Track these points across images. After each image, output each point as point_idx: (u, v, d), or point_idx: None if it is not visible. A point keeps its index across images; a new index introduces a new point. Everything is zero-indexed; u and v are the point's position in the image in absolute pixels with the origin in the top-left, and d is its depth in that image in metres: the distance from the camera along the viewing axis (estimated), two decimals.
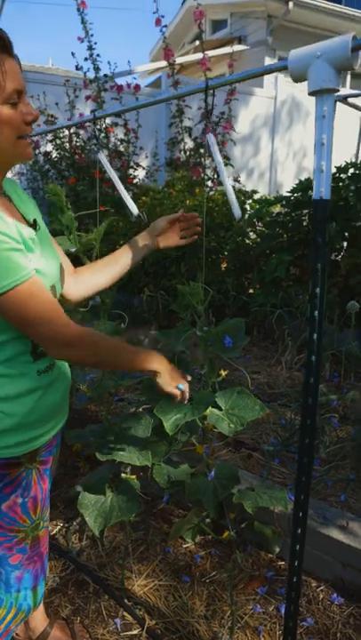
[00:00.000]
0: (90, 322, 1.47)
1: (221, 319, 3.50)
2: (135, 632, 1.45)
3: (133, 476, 1.48)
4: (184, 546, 1.78)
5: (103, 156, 1.34)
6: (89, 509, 1.32)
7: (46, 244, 1.01)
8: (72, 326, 0.92)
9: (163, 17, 4.99)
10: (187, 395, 1.12)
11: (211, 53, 5.43)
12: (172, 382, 1.08)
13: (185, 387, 1.11)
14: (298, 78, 0.85)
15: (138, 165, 4.98)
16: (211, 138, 1.07)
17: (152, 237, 1.22)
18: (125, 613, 1.52)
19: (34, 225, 0.99)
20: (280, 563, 1.68)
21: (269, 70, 0.90)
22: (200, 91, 0.97)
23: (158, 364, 1.06)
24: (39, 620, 1.37)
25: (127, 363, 1.03)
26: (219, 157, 1.08)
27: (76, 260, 1.22)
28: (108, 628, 1.47)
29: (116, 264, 1.20)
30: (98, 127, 4.90)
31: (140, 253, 1.22)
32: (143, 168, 5.18)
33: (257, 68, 0.94)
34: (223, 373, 1.63)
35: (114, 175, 1.32)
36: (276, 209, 3.54)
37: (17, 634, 1.39)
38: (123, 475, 1.45)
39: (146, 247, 1.22)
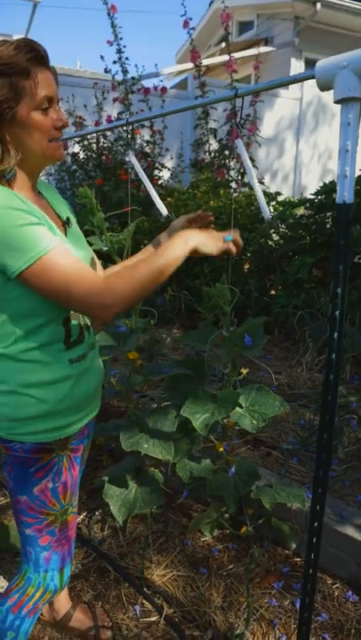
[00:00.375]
0: (119, 319, 1.53)
1: (243, 319, 3.52)
2: (154, 619, 1.50)
3: (156, 470, 1.53)
4: (202, 539, 1.82)
5: (134, 158, 1.40)
6: (114, 499, 1.37)
7: (78, 241, 1.08)
8: (101, 282, 0.92)
9: (190, 19, 5.06)
10: (239, 241, 1.06)
11: (237, 55, 5.47)
12: (217, 242, 1.02)
13: (233, 235, 1.05)
14: (324, 87, 0.89)
15: (163, 166, 5.04)
16: (240, 143, 1.11)
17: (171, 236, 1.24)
18: (145, 601, 1.57)
19: (67, 222, 1.05)
20: (296, 559, 1.71)
21: (297, 79, 0.94)
22: (229, 98, 1.01)
23: (193, 240, 1.00)
24: (63, 602, 1.44)
25: (169, 266, 0.96)
26: (248, 162, 1.12)
27: (108, 259, 1.27)
28: (127, 613, 1.53)
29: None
30: (125, 129, 4.99)
31: None
32: (168, 169, 5.24)
33: (284, 77, 0.98)
34: (244, 372, 1.67)
35: (144, 176, 1.38)
36: (300, 211, 3.55)
37: (42, 614, 1.46)
38: (147, 468, 1.50)
39: None
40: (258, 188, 1.19)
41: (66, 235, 1.04)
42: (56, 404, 1.01)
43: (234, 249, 1.05)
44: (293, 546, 1.71)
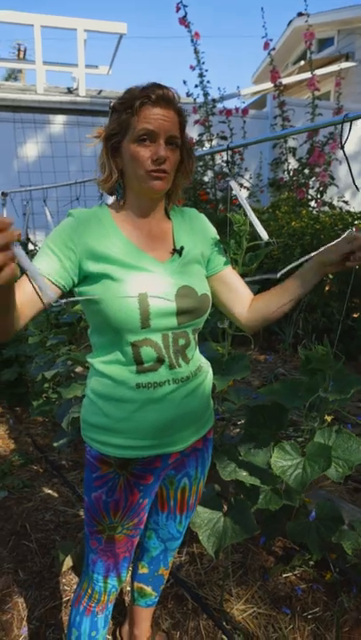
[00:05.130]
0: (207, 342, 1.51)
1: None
2: None
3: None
4: (284, 575, 1.74)
5: (235, 184, 1.40)
6: (202, 529, 1.33)
7: (183, 271, 1.05)
8: None
9: (271, 40, 5.08)
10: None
11: (318, 72, 5.38)
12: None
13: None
14: None
15: (242, 186, 5.04)
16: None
17: (323, 267, 1.08)
18: (224, 637, 1.51)
19: (179, 251, 1.05)
20: None
21: None
22: (338, 122, 0.98)
23: None
24: (143, 630, 1.42)
25: None
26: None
27: None
28: None
29: (285, 294, 1.12)
30: (204, 148, 5.06)
31: (309, 284, 1.12)
32: (247, 189, 5.24)
33: None
34: (328, 419, 1.54)
35: (243, 200, 1.36)
36: None
37: (122, 638, 1.45)
38: (233, 495, 1.45)
39: (316, 277, 1.11)
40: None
41: (166, 261, 1.04)
42: (117, 422, 1.02)
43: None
44: None
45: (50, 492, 2.33)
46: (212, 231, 1.17)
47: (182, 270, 1.05)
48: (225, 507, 1.43)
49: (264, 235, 1.30)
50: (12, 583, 1.77)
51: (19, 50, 13.55)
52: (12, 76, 15.77)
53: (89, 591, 1.17)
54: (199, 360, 1.12)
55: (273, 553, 1.85)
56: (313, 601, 1.63)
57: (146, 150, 0.97)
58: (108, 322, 0.98)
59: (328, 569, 1.66)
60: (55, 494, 2.31)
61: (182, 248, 1.06)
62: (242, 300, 1.17)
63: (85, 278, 1.00)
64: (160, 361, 1.01)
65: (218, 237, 1.18)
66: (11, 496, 2.30)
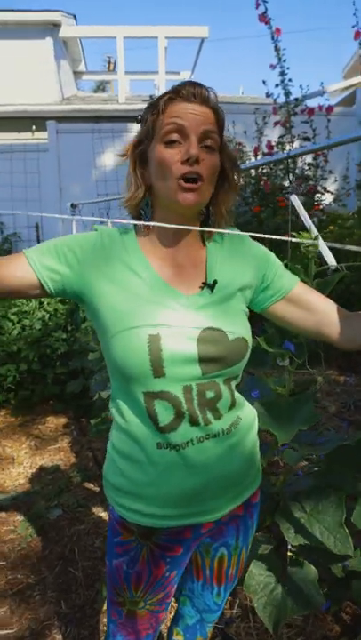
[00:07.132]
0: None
1: None
2: None
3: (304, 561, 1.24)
4: None
5: (296, 199, 1.19)
6: (257, 594, 1.13)
7: (203, 306, 0.85)
8: None
9: None
10: None
11: None
12: None
13: None
14: None
15: (326, 190, 4.68)
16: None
17: None
18: None
19: (209, 285, 0.85)
20: None
21: None
22: None
23: None
24: None
25: None
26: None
27: None
28: None
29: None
30: (283, 150, 4.78)
31: None
32: (331, 193, 4.86)
33: None
34: None
35: (307, 219, 1.15)
36: None
37: None
38: (293, 556, 1.22)
39: None
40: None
41: (192, 295, 0.86)
42: (137, 486, 0.87)
43: None
44: None
45: (103, 514, 2.25)
46: (263, 251, 0.96)
47: (211, 308, 0.85)
48: (285, 563, 1.21)
49: (331, 259, 1.07)
50: (54, 615, 1.70)
51: (109, 62, 14.11)
52: (101, 87, 16.47)
53: None
54: (238, 412, 0.92)
55: (340, 620, 1.59)
56: None
57: (175, 152, 0.80)
58: (115, 364, 0.83)
59: None
60: (107, 518, 2.22)
61: (215, 282, 0.86)
62: (330, 318, 0.95)
63: (91, 302, 0.85)
64: (180, 416, 0.83)
65: (271, 256, 0.96)
66: (65, 515, 2.25)
